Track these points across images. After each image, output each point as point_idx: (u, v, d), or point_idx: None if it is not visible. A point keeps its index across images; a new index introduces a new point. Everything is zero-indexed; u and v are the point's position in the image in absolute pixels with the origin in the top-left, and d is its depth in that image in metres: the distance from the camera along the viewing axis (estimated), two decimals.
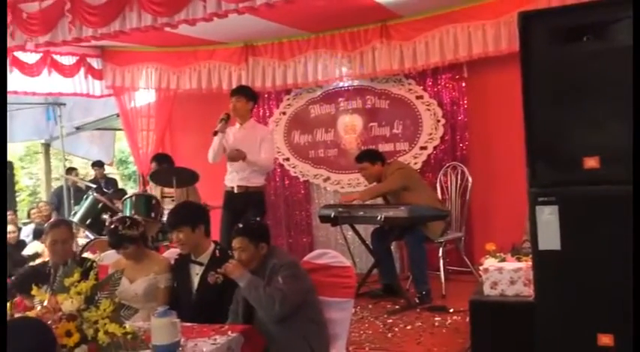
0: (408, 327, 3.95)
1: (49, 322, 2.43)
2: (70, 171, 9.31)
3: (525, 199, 2.39)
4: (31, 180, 14.46)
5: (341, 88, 6.20)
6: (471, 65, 5.52)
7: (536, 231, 2.33)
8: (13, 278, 3.69)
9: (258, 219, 4.07)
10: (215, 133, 4.75)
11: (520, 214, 3.98)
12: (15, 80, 6.00)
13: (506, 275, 3.13)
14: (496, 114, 5.52)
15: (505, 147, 5.34)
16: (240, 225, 3.20)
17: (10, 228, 7.07)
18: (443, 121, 5.72)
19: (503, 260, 3.24)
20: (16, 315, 2.90)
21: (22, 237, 7.21)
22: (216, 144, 4.76)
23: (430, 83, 5.80)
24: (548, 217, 2.29)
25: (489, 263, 3.24)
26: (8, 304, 3.38)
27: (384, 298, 4.74)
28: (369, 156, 5.03)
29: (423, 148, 5.79)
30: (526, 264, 3.09)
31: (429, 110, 5.79)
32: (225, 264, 3.01)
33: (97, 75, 6.64)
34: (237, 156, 4.68)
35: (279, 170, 6.35)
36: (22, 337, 1.38)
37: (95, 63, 6.61)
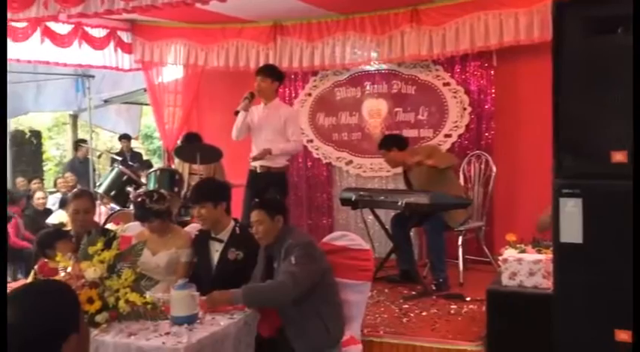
0: (424, 313, 3.96)
1: None
2: (80, 142, 9.47)
3: (549, 191, 2.37)
4: (58, 151, 14.70)
5: (368, 71, 6.16)
6: (500, 53, 5.44)
7: (559, 223, 2.32)
8: (36, 237, 3.79)
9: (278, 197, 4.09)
10: (236, 113, 4.77)
11: (544, 206, 3.95)
12: (46, 50, 6.08)
13: (525, 266, 3.12)
14: (524, 103, 5.44)
15: (532, 137, 5.27)
16: (257, 200, 3.27)
17: (39, 194, 7.25)
18: (469, 109, 5.66)
19: (523, 251, 3.23)
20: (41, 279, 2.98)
21: (49, 205, 7.36)
22: (240, 121, 4.79)
23: (458, 70, 5.73)
24: (572, 209, 2.27)
25: (509, 253, 3.23)
26: (35, 267, 3.48)
27: (400, 283, 4.75)
28: (383, 144, 5.01)
29: (447, 136, 5.74)
30: (546, 256, 3.08)
31: (455, 97, 5.73)
32: (208, 301, 2.83)
33: (127, 48, 6.69)
34: (262, 154, 4.72)
35: (302, 151, 6.35)
36: (46, 298, 1.42)
37: (125, 36, 6.65)
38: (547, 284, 3.02)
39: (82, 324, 1.46)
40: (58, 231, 3.66)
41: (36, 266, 3.50)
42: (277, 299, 2.93)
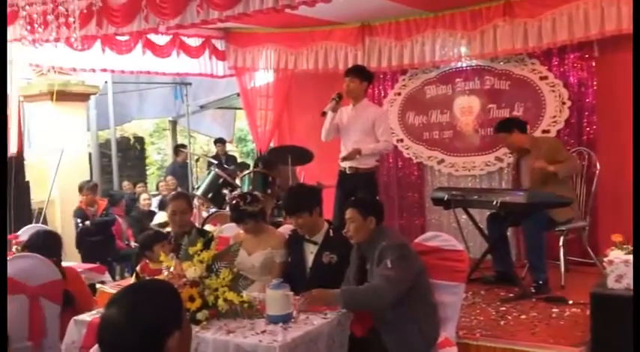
0: (523, 317, 3.82)
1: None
2: (180, 147, 9.92)
3: None
4: (159, 155, 15.48)
5: (458, 68, 6.02)
6: (602, 43, 5.14)
7: None
8: (139, 239, 4.03)
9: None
10: (323, 114, 4.81)
11: None
12: (147, 61, 6.43)
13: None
14: (629, 95, 5.10)
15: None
16: (353, 198, 3.29)
17: (144, 196, 7.70)
18: (568, 103, 5.39)
19: (630, 252, 3.04)
20: (147, 278, 3.16)
21: (153, 207, 7.78)
22: (328, 123, 4.84)
23: (556, 63, 5.47)
24: None
25: (615, 254, 3.05)
26: (138, 267, 3.70)
27: (497, 285, 4.61)
28: (505, 127, 4.82)
29: (545, 131, 5.49)
30: None
31: (553, 91, 5.48)
32: (306, 298, 2.85)
33: (221, 56, 6.93)
34: (352, 155, 4.73)
35: (392, 151, 6.30)
36: (149, 297, 1.50)
37: (219, 44, 6.89)
38: None
39: (184, 321, 1.52)
40: (157, 233, 3.86)
41: (138, 267, 3.72)
42: (375, 303, 2.92)
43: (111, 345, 1.44)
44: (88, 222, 6.45)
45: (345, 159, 4.82)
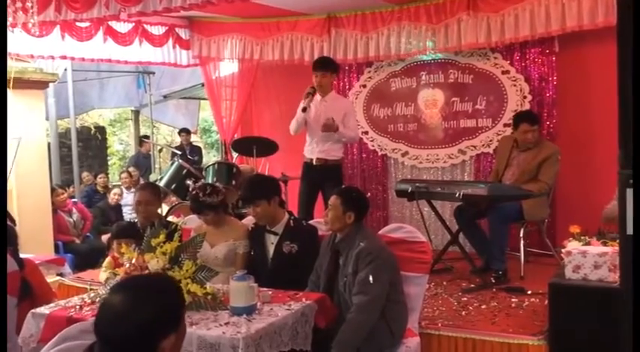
0: (483, 307, 3.89)
1: None
2: (144, 138, 9.78)
3: (616, 181, 2.27)
4: (121, 146, 15.19)
5: (423, 61, 6.07)
6: (563, 39, 5.25)
7: (625, 215, 2.22)
8: (113, 227, 3.97)
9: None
10: (304, 109, 4.74)
11: (610, 197, 3.81)
12: (108, 49, 6.28)
13: (590, 259, 3.01)
14: (589, 91, 5.24)
15: (597, 125, 5.07)
16: (343, 186, 3.27)
17: (116, 190, 7.56)
18: (529, 98, 5.50)
19: (587, 243, 3.12)
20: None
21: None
22: (301, 117, 4.78)
23: (518, 57, 5.57)
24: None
25: (572, 246, 3.13)
26: (108, 259, 3.65)
27: (458, 276, 4.67)
28: (538, 120, 4.80)
29: (506, 125, 5.58)
30: (612, 248, 2.97)
31: (515, 86, 5.58)
32: None
33: (185, 45, 6.83)
34: (332, 126, 4.67)
35: (357, 143, 6.33)
36: (161, 294, 1.46)
37: (183, 33, 6.79)
38: (613, 277, 2.91)
39: (182, 324, 1.48)
40: (131, 225, 3.81)
41: (109, 257, 3.67)
42: (370, 322, 2.92)
43: (105, 332, 1.40)
44: None
45: (326, 129, 4.69)
